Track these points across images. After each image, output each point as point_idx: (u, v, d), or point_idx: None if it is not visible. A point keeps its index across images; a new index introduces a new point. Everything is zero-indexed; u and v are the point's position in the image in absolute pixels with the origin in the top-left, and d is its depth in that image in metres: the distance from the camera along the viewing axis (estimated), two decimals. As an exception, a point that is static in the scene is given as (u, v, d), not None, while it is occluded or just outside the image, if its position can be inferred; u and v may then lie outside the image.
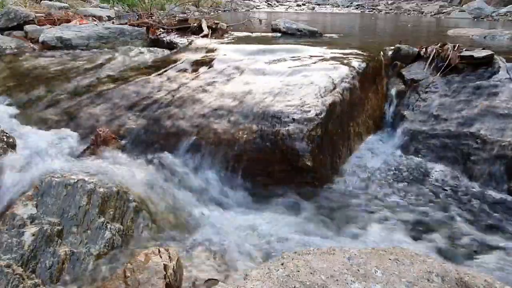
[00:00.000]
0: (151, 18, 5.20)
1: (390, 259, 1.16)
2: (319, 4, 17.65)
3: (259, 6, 15.56)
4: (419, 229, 1.91)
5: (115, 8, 7.40)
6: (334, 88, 2.55)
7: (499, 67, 2.83)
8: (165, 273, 1.31)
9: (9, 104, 2.61)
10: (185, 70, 3.05)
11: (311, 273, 1.09)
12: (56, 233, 1.49)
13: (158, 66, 3.18)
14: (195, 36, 4.35)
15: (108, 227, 1.60)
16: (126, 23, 4.62)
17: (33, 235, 1.44)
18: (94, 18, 5.18)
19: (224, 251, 1.67)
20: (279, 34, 4.69)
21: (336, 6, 16.89)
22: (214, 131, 2.24)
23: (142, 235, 1.69)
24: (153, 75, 2.94)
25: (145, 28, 4.36)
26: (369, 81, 2.95)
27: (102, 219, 1.61)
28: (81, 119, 2.43)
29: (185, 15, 6.63)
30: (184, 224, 1.84)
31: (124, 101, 2.57)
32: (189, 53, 3.59)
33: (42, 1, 6.34)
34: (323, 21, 8.50)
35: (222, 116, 2.33)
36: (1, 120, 2.37)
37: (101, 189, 1.67)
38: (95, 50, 3.75)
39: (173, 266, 1.35)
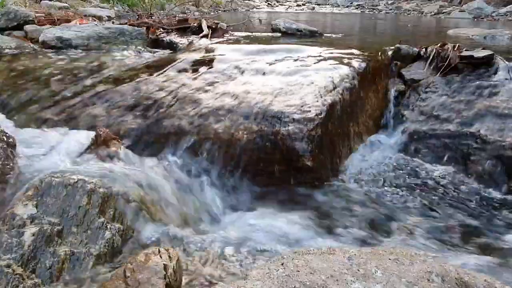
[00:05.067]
0: (151, 18, 5.20)
1: (390, 259, 1.16)
2: (319, 4, 17.64)
3: (259, 6, 15.55)
4: (419, 229, 1.91)
5: (115, 8, 7.41)
6: (334, 88, 2.55)
7: (499, 67, 2.83)
8: (165, 273, 1.31)
9: (9, 104, 2.61)
10: (185, 70, 3.05)
11: (311, 273, 1.09)
12: (56, 233, 1.49)
13: (158, 66, 3.18)
14: (195, 36, 4.34)
15: (108, 227, 1.60)
16: (126, 23, 4.62)
17: (33, 235, 1.44)
18: (94, 18, 5.17)
19: (224, 251, 1.67)
20: (279, 34, 4.69)
21: (336, 6, 16.88)
22: (214, 131, 2.24)
23: (142, 235, 1.69)
24: (153, 75, 2.94)
25: (145, 28, 4.36)
26: (369, 81, 2.95)
27: (102, 219, 1.61)
28: (81, 119, 2.43)
29: (185, 15, 6.63)
30: (184, 224, 1.84)
31: (124, 101, 2.56)
32: (189, 53, 3.59)
33: (42, 1, 6.33)
34: (323, 21, 8.50)
35: (222, 116, 2.33)
36: (1, 120, 2.37)
37: (101, 189, 1.67)
38: (95, 50, 3.75)
39: (173, 266, 1.35)
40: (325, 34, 4.82)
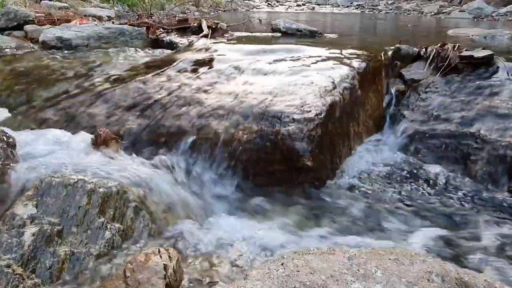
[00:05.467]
0: (151, 18, 5.20)
1: (390, 259, 1.16)
2: (319, 4, 17.64)
3: (259, 6, 15.54)
4: (419, 229, 1.91)
5: (115, 8, 7.41)
6: (334, 88, 2.55)
7: (499, 67, 2.83)
8: (165, 273, 1.31)
9: (9, 104, 2.61)
10: (185, 70, 3.05)
11: (311, 273, 1.09)
12: (56, 233, 1.49)
13: (158, 66, 3.18)
14: (195, 36, 4.35)
15: (108, 227, 1.60)
16: (126, 23, 4.62)
17: (33, 235, 1.44)
18: (94, 18, 5.18)
19: (224, 251, 1.67)
20: (279, 34, 4.69)
21: (336, 6, 16.87)
22: (214, 131, 2.24)
23: (142, 235, 1.69)
24: (153, 75, 2.94)
25: (145, 28, 4.36)
26: (369, 81, 2.95)
27: (102, 219, 1.61)
28: (81, 119, 2.43)
29: (185, 15, 6.63)
30: (184, 224, 1.84)
31: (124, 101, 2.57)
32: (189, 53, 3.59)
33: (42, 1, 6.33)
34: (323, 21, 8.50)
35: (222, 116, 2.33)
36: (1, 120, 2.37)
37: (101, 189, 1.66)
38: (95, 50, 3.75)
39: (173, 266, 1.35)
40: (325, 34, 4.82)
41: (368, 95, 2.90)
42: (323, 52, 3.40)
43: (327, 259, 1.16)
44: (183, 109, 2.43)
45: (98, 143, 2.07)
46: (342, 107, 2.51)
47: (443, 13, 11.19)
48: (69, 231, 1.53)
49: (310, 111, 2.28)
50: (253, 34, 4.77)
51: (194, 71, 3.02)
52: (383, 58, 3.25)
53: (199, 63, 3.20)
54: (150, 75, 2.94)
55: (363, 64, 2.95)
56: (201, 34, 4.34)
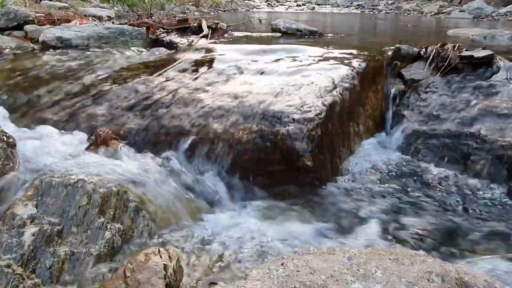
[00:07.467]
0: (151, 18, 5.21)
1: (390, 259, 1.16)
2: (319, 4, 17.64)
3: (259, 6, 15.55)
4: (419, 229, 1.91)
5: (115, 8, 7.41)
6: (334, 88, 2.55)
7: (499, 67, 2.83)
8: (165, 273, 1.31)
9: (9, 104, 2.61)
10: (185, 70, 3.05)
11: (311, 273, 1.09)
12: (56, 233, 1.49)
13: (158, 66, 3.18)
14: (195, 36, 4.35)
15: (108, 227, 1.60)
16: (126, 23, 4.62)
17: (33, 235, 1.44)
18: (94, 18, 5.18)
19: (224, 251, 1.67)
20: (279, 34, 4.69)
21: (336, 6, 16.87)
22: (214, 131, 2.24)
23: (142, 235, 1.69)
24: (153, 75, 2.94)
25: (145, 28, 4.36)
26: (369, 81, 2.95)
27: (102, 219, 1.61)
28: (81, 119, 2.43)
29: (185, 15, 6.63)
30: (184, 224, 1.84)
31: (124, 101, 2.56)
32: (189, 53, 3.59)
33: (42, 1, 6.33)
34: (323, 21, 8.50)
35: (222, 116, 2.33)
36: (1, 120, 2.37)
37: (101, 189, 1.66)
38: (95, 50, 3.75)
39: (173, 266, 1.35)
40: (325, 34, 4.82)
41: (368, 95, 2.90)
42: (323, 52, 3.40)
43: (327, 259, 1.16)
44: (183, 109, 2.43)
45: (98, 143, 2.07)
46: (342, 107, 2.51)
47: (443, 13, 11.20)
48: (69, 231, 1.53)
49: (310, 111, 2.28)
50: (253, 34, 4.77)
51: (194, 71, 3.02)
52: (383, 58, 3.25)
53: (199, 63, 3.20)
54: (150, 75, 2.94)
55: (363, 64, 2.95)
56: (201, 34, 4.34)
